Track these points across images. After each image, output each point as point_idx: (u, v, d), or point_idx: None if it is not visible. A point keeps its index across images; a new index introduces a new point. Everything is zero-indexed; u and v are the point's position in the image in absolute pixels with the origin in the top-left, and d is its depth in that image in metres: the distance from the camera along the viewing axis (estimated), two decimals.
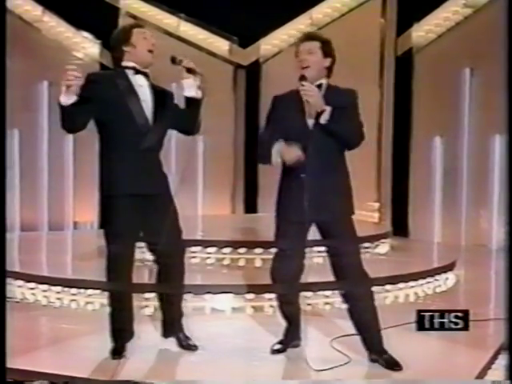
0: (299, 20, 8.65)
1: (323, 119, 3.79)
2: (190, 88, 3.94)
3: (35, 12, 8.50)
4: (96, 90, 3.83)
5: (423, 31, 8.22)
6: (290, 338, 4.19)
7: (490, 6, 7.63)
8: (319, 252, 5.43)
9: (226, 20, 8.52)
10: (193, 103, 3.96)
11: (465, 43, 7.87)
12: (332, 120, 3.79)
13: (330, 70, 3.97)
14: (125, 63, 3.96)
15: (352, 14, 8.44)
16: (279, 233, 4.00)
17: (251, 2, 8.04)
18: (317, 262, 5.40)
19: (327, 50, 3.94)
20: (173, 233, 3.92)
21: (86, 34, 8.68)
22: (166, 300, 4.14)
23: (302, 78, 3.84)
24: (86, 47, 8.68)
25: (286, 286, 4.07)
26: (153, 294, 4.99)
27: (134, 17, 8.72)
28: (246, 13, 8.15)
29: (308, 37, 3.99)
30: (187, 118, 3.98)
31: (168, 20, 8.77)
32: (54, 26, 8.57)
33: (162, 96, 3.97)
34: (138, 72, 3.95)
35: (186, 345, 4.11)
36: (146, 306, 4.97)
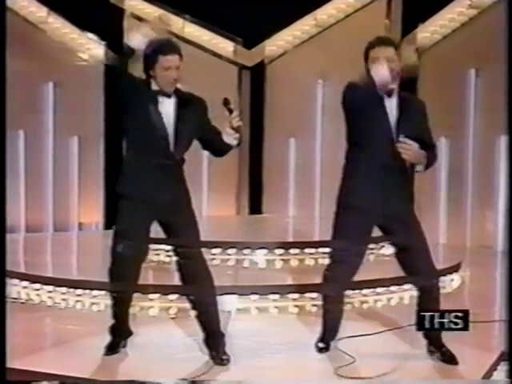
0: (304, 21, 8.64)
1: (419, 168, 3.94)
2: (228, 136, 3.94)
3: (40, 13, 8.52)
4: (126, 94, 3.85)
5: (428, 32, 8.20)
6: (332, 336, 4.23)
7: (495, 7, 7.62)
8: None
9: (231, 21, 8.53)
10: (226, 146, 3.98)
11: (470, 44, 7.86)
12: (428, 165, 3.94)
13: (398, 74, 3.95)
14: (151, 81, 3.90)
15: (357, 14, 8.43)
16: (343, 224, 4.03)
17: (256, 3, 8.04)
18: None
19: (399, 53, 3.92)
20: (192, 237, 4.00)
21: (90, 35, 8.69)
22: (200, 303, 4.06)
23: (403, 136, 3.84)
24: (91, 48, 8.69)
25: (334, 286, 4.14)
26: (157, 295, 5.02)
27: (138, 18, 8.72)
28: (251, 14, 8.15)
29: (384, 42, 3.93)
30: (216, 143, 4.00)
31: (173, 21, 8.77)
32: (59, 27, 8.59)
33: (187, 113, 3.90)
34: (159, 93, 3.88)
35: (219, 361, 4.00)
36: (151, 306, 4.98)
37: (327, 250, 5.73)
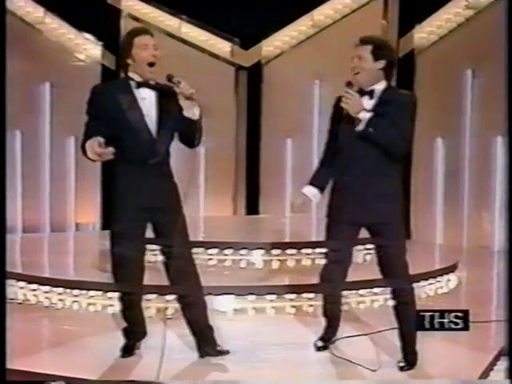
0: (301, 21, 8.65)
1: (360, 127, 3.84)
2: (187, 109, 3.86)
3: (37, 14, 8.52)
4: (100, 105, 3.83)
5: (425, 33, 8.22)
6: (332, 335, 4.27)
7: (492, 8, 7.64)
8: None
9: (228, 21, 8.54)
10: (190, 122, 3.88)
11: (466, 45, 7.88)
12: (371, 127, 3.80)
13: (387, 73, 3.94)
14: (129, 74, 3.90)
15: (353, 15, 8.44)
16: (330, 234, 4.08)
17: (253, 4, 8.04)
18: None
19: (379, 52, 3.90)
20: (181, 237, 3.93)
21: (87, 35, 8.70)
22: (187, 303, 4.05)
23: (348, 84, 3.89)
24: (88, 49, 8.70)
25: (330, 286, 4.19)
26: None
27: (135, 18, 8.73)
28: (248, 14, 8.16)
29: (360, 41, 3.96)
30: (187, 130, 3.92)
31: (170, 22, 8.78)
32: (56, 27, 8.59)
33: (167, 105, 3.90)
34: (140, 85, 3.88)
35: (216, 352, 4.01)
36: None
37: (323, 250, 5.77)
